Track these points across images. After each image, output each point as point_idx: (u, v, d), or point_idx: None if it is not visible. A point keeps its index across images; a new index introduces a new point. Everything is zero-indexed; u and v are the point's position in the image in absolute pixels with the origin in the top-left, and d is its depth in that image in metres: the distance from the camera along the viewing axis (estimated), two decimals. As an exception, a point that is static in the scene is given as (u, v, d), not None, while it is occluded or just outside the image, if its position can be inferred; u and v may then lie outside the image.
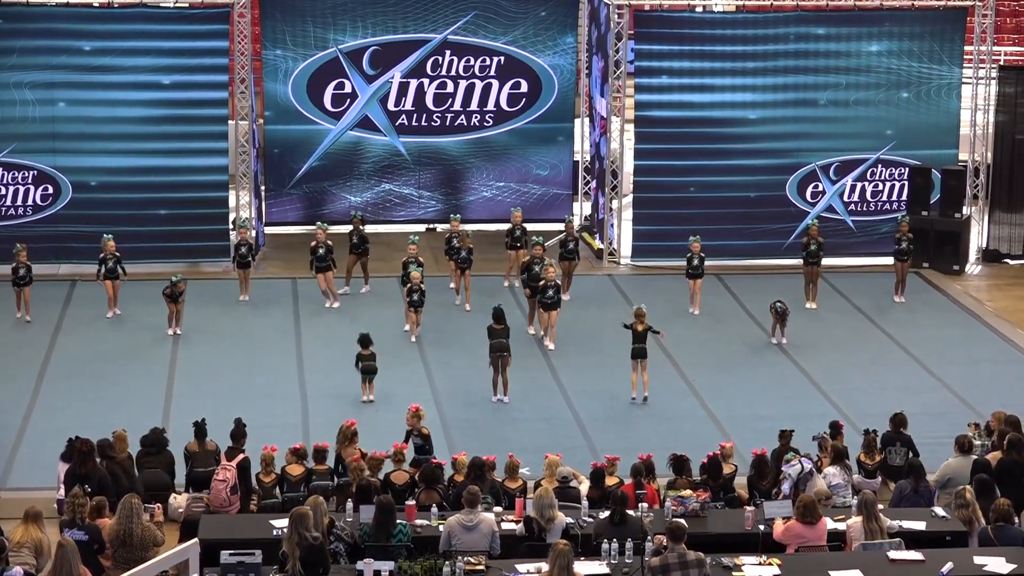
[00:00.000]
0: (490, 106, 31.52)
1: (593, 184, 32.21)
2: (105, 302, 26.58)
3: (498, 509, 17.05)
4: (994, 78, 31.14)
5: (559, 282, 25.59)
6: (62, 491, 17.81)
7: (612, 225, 30.28)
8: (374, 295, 27.79)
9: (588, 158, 32.74)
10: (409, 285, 25.42)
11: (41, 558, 15.65)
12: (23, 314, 26.12)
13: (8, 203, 29.36)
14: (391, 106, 31.27)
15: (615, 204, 30.67)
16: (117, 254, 26.24)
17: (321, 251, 26.82)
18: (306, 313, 26.96)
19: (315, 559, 14.65)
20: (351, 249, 27.70)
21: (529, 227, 31.67)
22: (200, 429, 19.01)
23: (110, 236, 26.47)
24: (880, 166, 30.78)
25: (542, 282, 25.16)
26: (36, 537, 15.71)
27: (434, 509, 16.94)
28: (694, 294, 27.24)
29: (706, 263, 27.22)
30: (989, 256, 31.23)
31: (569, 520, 16.35)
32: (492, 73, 31.38)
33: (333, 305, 27.13)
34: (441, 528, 16.05)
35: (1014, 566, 15.33)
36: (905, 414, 20.13)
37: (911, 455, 19.38)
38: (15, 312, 26.22)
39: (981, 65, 31.10)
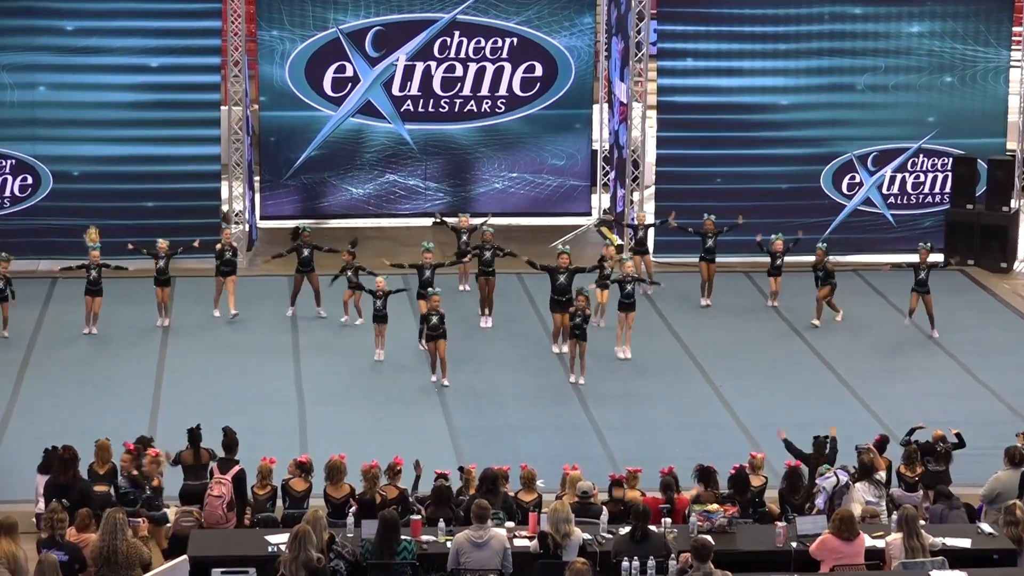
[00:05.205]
0: (502, 91, 31.49)
1: (612, 175, 32.17)
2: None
3: (510, 524, 16.98)
4: (1044, 61, 31.16)
5: (588, 312, 24.32)
6: (41, 504, 17.75)
7: (632, 219, 30.20)
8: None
9: (607, 147, 32.72)
10: (425, 312, 24.32)
11: (17, 574, 15.60)
12: (1, 330, 25.76)
13: (-16, 194, 29.46)
14: (396, 91, 31.25)
15: (636, 196, 30.62)
16: (101, 263, 25.60)
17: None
18: (303, 312, 26.88)
19: (316, 582, 14.62)
20: (298, 268, 26.71)
21: (544, 222, 31.93)
22: (194, 436, 18.82)
23: (96, 246, 25.92)
24: (921, 156, 30.72)
25: (573, 308, 24.27)
26: (10, 551, 15.64)
27: (441, 524, 16.87)
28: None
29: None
30: (1039, 253, 31.20)
31: (587, 536, 16.27)
32: (504, 56, 31.36)
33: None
34: (449, 545, 15.99)
35: (1066, 587, 15.27)
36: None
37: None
38: None
39: (1031, 47, 31.10)
